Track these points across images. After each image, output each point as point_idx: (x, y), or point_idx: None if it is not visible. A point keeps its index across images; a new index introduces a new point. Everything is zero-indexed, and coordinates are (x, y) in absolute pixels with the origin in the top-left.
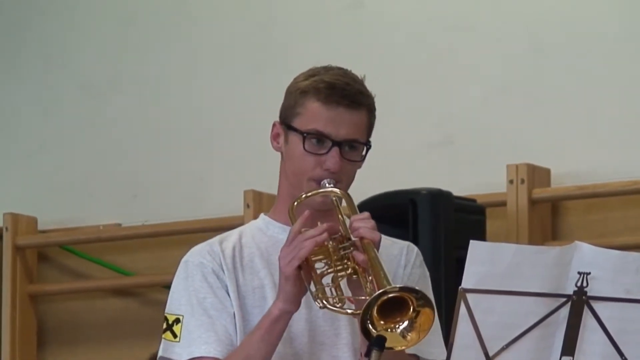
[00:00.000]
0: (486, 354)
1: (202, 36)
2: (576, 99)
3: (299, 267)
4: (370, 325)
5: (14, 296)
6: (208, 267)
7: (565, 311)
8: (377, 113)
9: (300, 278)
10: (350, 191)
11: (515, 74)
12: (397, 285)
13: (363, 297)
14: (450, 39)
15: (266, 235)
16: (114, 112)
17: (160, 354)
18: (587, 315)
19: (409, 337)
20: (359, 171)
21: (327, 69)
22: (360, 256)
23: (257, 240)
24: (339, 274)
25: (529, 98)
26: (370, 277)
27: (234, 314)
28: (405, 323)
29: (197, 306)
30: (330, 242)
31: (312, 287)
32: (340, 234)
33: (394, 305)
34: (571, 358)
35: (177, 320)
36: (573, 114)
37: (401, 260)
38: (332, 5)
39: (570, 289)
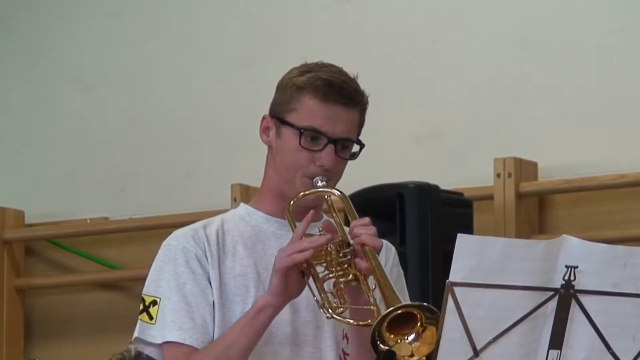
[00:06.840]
0: (474, 347)
1: (189, 30)
2: (563, 93)
3: (295, 268)
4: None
5: (1, 290)
6: (191, 252)
7: (552, 305)
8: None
9: (287, 275)
10: (337, 185)
11: (503, 67)
12: (415, 302)
13: (368, 307)
14: (437, 33)
15: (249, 225)
16: (102, 107)
17: (135, 334)
18: (574, 308)
19: (415, 347)
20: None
21: (321, 66)
22: (363, 264)
23: (241, 229)
24: (340, 279)
25: (516, 92)
26: (374, 286)
27: (213, 303)
28: (412, 335)
29: (176, 291)
30: (331, 246)
31: (318, 297)
32: (340, 238)
33: (402, 317)
34: (559, 351)
35: (154, 302)
36: (560, 108)
37: (382, 258)
38: (319, 0)
39: (557, 283)
